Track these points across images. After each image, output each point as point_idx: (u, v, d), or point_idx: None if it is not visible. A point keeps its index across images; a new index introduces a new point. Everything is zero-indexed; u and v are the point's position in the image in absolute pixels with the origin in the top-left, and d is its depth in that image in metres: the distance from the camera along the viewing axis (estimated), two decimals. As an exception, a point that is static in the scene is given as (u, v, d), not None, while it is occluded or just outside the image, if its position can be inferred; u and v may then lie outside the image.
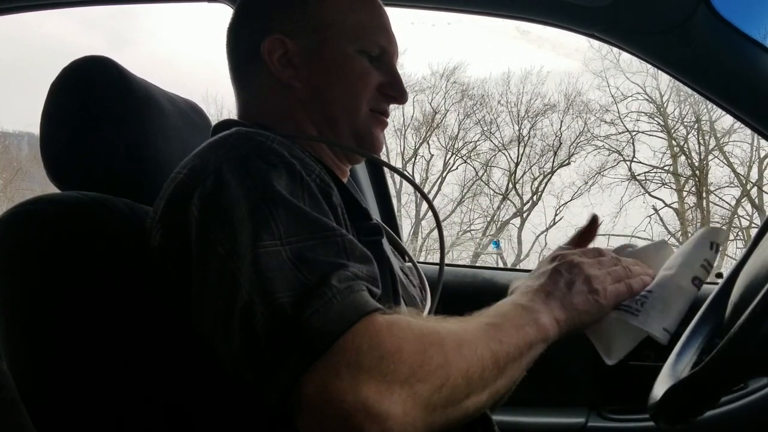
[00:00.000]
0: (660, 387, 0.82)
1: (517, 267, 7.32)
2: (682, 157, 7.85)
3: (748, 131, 6.80)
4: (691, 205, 7.80)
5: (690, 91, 1.40)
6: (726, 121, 7.40)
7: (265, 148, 0.74)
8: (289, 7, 0.95)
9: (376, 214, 1.78)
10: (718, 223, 7.69)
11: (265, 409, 0.63)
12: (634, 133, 7.72)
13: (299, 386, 0.59)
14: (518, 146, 8.02)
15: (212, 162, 0.74)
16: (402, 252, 1.09)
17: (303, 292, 0.62)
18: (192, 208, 0.71)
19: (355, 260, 0.68)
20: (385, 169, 1.91)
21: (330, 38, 0.94)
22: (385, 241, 0.90)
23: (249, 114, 0.98)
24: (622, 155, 7.76)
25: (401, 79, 0.99)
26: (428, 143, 8.03)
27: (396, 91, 0.97)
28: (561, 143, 7.91)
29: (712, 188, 7.73)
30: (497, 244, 8.11)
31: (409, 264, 1.07)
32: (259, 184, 0.70)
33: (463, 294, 1.73)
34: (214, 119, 1.07)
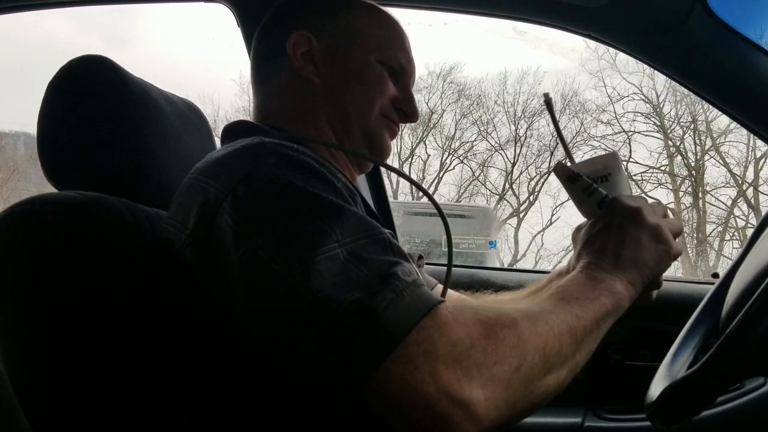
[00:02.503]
0: (656, 387, 0.82)
1: (514, 267, 7.32)
2: (679, 158, 7.87)
3: (744, 131, 6.81)
4: (688, 206, 7.82)
5: (686, 91, 1.40)
6: (722, 121, 7.43)
7: (293, 159, 0.74)
8: (320, 12, 1.00)
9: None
10: (714, 223, 7.70)
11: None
12: (630, 134, 7.73)
13: (377, 381, 0.60)
14: (515, 146, 8.04)
15: (239, 169, 0.72)
16: None
17: (372, 286, 0.63)
18: (225, 218, 0.69)
19: (400, 257, 0.69)
20: (382, 170, 1.91)
21: (354, 44, 0.98)
22: None
23: (266, 111, 1.00)
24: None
25: (415, 100, 1.02)
26: (425, 143, 8.04)
27: (408, 108, 1.01)
28: (557, 143, 7.92)
29: (708, 188, 7.75)
30: (494, 244, 8.11)
31: None
32: (300, 193, 0.69)
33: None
34: (210, 119, 1.07)
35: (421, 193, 8.11)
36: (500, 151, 8.14)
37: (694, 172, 7.84)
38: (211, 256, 0.71)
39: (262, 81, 1.02)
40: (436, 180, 8.17)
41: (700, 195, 7.78)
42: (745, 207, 7.68)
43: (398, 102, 1.00)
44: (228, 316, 0.70)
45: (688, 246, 7.74)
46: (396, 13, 1.06)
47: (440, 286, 1.12)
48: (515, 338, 0.63)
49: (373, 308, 0.61)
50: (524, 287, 1.07)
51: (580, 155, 7.81)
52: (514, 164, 8.12)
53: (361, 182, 1.79)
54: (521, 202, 8.21)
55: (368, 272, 0.64)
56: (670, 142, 7.87)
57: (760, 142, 7.05)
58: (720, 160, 7.73)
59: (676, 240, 0.80)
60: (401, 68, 1.01)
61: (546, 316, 0.67)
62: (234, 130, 0.93)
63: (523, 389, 0.64)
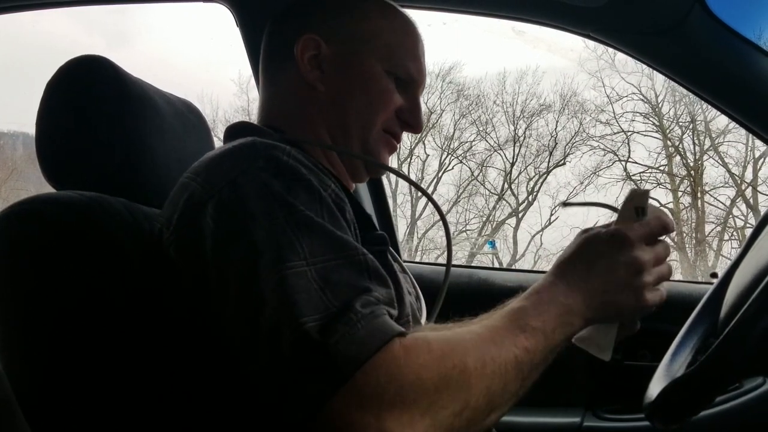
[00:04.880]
0: (655, 387, 0.82)
1: (513, 267, 7.31)
2: (677, 157, 7.85)
3: (743, 131, 6.81)
4: (687, 206, 7.80)
5: (685, 91, 1.40)
6: (721, 121, 7.39)
7: (281, 163, 0.73)
8: (332, 15, 0.98)
9: (372, 215, 1.78)
10: (713, 223, 7.70)
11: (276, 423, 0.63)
12: (629, 134, 7.71)
13: (323, 413, 0.59)
14: (514, 146, 8.02)
15: (227, 171, 0.72)
16: (396, 259, 1.09)
17: (328, 316, 0.62)
18: (207, 219, 0.70)
19: (376, 282, 0.68)
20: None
21: (363, 52, 0.96)
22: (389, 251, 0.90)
23: (268, 112, 1.00)
24: (617, 155, 7.75)
25: (421, 111, 1.01)
26: (424, 143, 8.00)
27: (413, 119, 0.99)
28: (556, 143, 7.90)
29: (707, 188, 7.72)
30: (493, 244, 8.08)
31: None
32: (280, 201, 0.69)
33: (459, 294, 1.73)
34: (209, 119, 1.07)
35: (420, 194, 8.10)
36: (499, 151, 8.13)
37: (692, 171, 7.82)
38: (192, 256, 0.71)
39: (269, 80, 1.01)
40: (435, 180, 8.16)
41: (699, 195, 7.77)
42: (744, 207, 7.67)
43: (403, 113, 0.99)
44: (204, 315, 0.71)
45: (687, 246, 7.74)
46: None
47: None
48: (463, 381, 0.62)
49: (325, 342, 0.60)
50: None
51: (579, 155, 7.82)
52: (512, 164, 8.10)
53: (361, 184, 1.79)
54: (520, 202, 8.20)
55: (332, 298, 0.63)
56: (668, 142, 7.86)
57: (758, 142, 7.05)
58: (719, 160, 7.72)
59: (655, 290, 0.77)
60: (410, 78, 0.99)
61: (497, 353, 0.65)
62: (235, 131, 0.93)
63: (465, 429, 0.63)
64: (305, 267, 0.64)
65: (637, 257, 0.74)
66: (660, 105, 7.83)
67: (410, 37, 1.01)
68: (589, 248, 0.76)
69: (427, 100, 7.86)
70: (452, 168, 8.19)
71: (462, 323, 0.71)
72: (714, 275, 1.68)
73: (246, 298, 0.65)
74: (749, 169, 7.72)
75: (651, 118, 7.85)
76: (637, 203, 0.77)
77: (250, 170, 0.71)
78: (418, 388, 0.60)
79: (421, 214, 8.11)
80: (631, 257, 0.74)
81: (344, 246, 0.68)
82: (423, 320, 0.91)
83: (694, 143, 7.86)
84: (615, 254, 0.74)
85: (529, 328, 0.68)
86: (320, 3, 1.00)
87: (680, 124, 7.89)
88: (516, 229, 8.13)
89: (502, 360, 0.65)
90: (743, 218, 7.60)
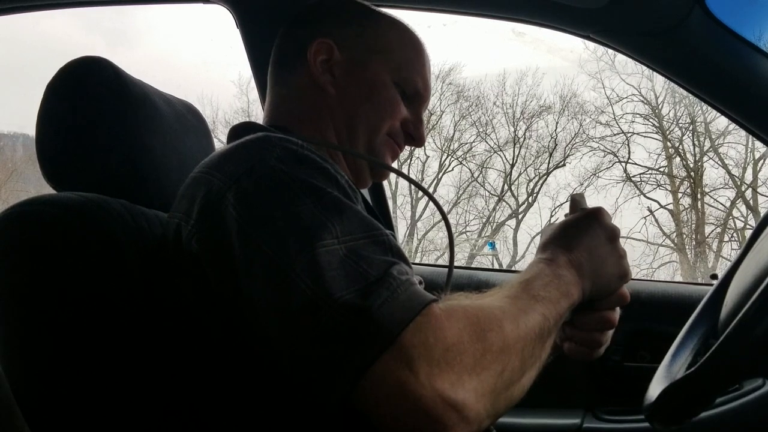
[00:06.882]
0: (655, 388, 0.82)
1: (513, 268, 7.31)
2: (677, 159, 7.87)
3: (743, 133, 6.82)
4: (686, 207, 7.81)
5: (685, 92, 1.40)
6: (721, 122, 7.41)
7: (298, 153, 0.74)
8: (347, 24, 1.01)
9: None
10: (712, 224, 7.70)
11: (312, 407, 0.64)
12: (629, 135, 7.73)
13: (371, 380, 0.60)
14: (514, 147, 8.03)
15: (243, 161, 0.73)
16: None
17: (369, 284, 0.63)
18: (229, 209, 0.70)
19: (399, 258, 0.69)
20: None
21: (374, 62, 0.99)
22: None
23: (275, 112, 1.02)
24: (617, 156, 7.77)
25: (423, 126, 1.04)
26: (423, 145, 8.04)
27: (416, 132, 1.03)
28: (556, 144, 7.92)
29: (707, 189, 7.73)
30: (493, 246, 8.10)
31: None
32: (303, 184, 0.70)
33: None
34: (209, 121, 1.07)
35: (420, 194, 8.11)
36: (499, 153, 8.15)
37: (692, 173, 7.84)
38: (216, 246, 0.71)
39: (278, 81, 1.03)
40: (435, 181, 8.17)
41: (699, 196, 7.78)
42: (743, 208, 7.68)
43: (407, 125, 1.02)
44: (231, 308, 0.71)
45: (687, 247, 7.74)
46: (396, 14, 1.06)
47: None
48: (501, 341, 0.64)
49: (368, 306, 0.61)
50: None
51: (579, 156, 7.83)
52: (512, 165, 8.11)
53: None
54: (520, 203, 8.21)
55: (366, 268, 0.64)
56: (668, 144, 7.87)
57: (758, 144, 7.06)
58: (719, 162, 7.73)
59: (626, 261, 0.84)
60: (416, 93, 1.02)
61: (524, 318, 0.68)
62: (241, 130, 0.93)
63: (505, 392, 0.65)
64: (337, 245, 0.65)
65: (609, 225, 0.83)
66: (660, 106, 7.85)
67: (419, 53, 1.04)
68: (568, 227, 0.83)
69: (427, 102, 7.86)
70: (452, 169, 8.21)
71: (481, 295, 0.72)
72: (714, 276, 1.68)
73: (279, 280, 0.64)
74: (749, 170, 7.73)
75: (651, 120, 7.87)
76: (581, 204, 0.88)
77: (267, 159, 0.72)
78: (462, 349, 0.61)
79: (421, 216, 8.12)
80: (605, 224, 0.83)
81: (370, 226, 0.70)
82: None
83: (693, 144, 7.88)
84: (594, 225, 0.82)
85: (540, 297, 0.72)
86: (335, 10, 1.03)
87: (680, 125, 7.90)
88: (516, 230, 8.14)
89: (530, 324, 0.68)
90: (743, 219, 7.62)
